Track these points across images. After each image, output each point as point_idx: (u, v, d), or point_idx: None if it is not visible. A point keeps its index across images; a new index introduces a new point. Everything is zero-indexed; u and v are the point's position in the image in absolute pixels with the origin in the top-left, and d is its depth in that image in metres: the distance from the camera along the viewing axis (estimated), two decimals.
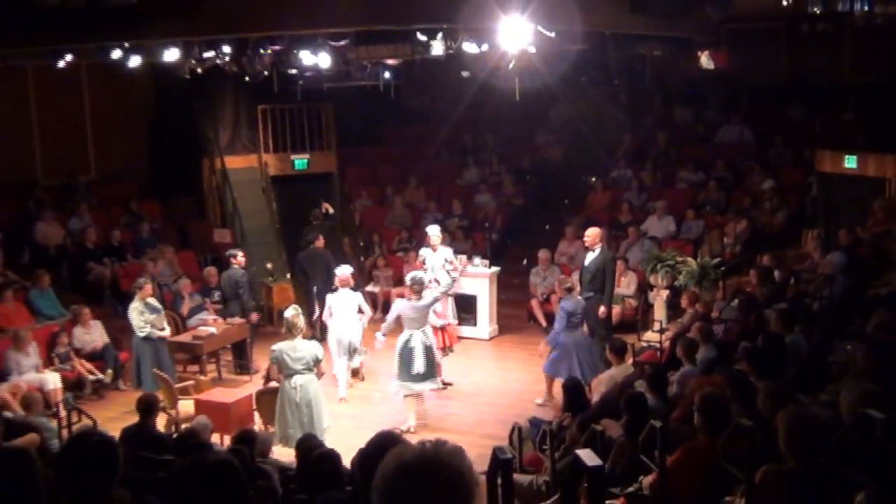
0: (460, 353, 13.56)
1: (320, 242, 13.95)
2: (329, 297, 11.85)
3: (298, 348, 9.47)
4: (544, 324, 14.29)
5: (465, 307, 14.19)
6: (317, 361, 9.50)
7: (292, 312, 9.65)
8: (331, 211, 15.81)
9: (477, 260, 14.40)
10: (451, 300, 13.59)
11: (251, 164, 17.42)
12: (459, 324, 14.01)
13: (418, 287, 10.85)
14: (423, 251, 13.62)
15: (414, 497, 2.21)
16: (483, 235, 15.86)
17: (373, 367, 12.72)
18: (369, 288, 15.70)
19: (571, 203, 17.22)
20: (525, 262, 15.31)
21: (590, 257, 12.12)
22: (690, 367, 8.93)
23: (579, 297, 11.34)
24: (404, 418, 10.65)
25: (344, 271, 11.91)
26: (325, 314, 11.88)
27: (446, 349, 12.15)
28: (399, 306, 10.96)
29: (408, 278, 11.25)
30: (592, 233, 12.18)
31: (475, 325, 14.28)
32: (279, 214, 17.13)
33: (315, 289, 13.67)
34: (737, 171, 16.37)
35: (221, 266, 13.87)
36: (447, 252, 13.51)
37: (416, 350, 10.62)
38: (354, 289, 12.04)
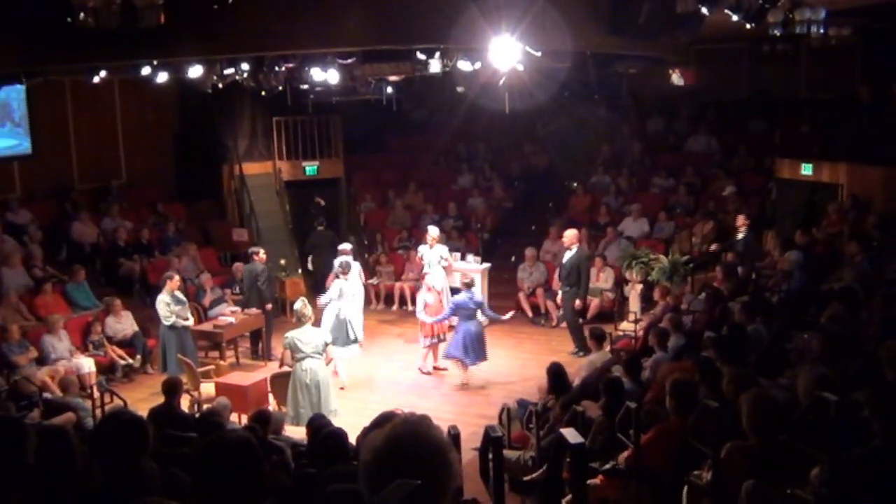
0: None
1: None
2: (337, 282, 11.77)
3: (308, 335, 9.49)
4: (530, 314, 14.36)
5: None
6: (325, 346, 9.52)
7: (301, 304, 9.69)
8: (322, 203, 15.83)
9: (470, 257, 14.40)
10: (446, 293, 13.57)
11: (266, 170, 17.39)
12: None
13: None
14: (422, 248, 13.63)
15: (394, 461, 2.19)
16: (475, 235, 15.86)
17: (376, 361, 12.69)
18: (372, 281, 15.71)
19: (555, 206, 17.22)
20: (513, 259, 15.31)
21: (567, 255, 12.44)
22: (662, 353, 8.94)
23: (473, 293, 11.52)
24: (405, 402, 10.68)
25: (346, 245, 12.71)
26: (329, 295, 11.75)
27: (437, 336, 12.14)
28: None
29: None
30: (570, 234, 12.48)
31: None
32: (291, 215, 17.14)
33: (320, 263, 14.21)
34: (704, 177, 16.36)
35: (243, 262, 13.85)
36: (443, 250, 13.55)
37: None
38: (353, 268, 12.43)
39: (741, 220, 13.08)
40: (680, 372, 6.94)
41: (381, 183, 18.88)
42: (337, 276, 11.89)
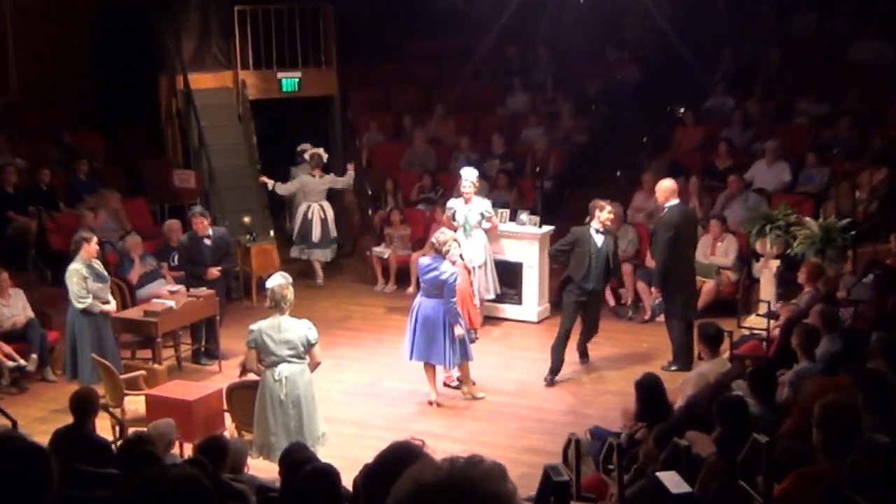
0: (499, 340, 13.68)
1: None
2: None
3: (285, 327, 9.50)
4: (612, 302, 14.34)
5: (508, 279, 14.18)
6: (309, 345, 9.54)
7: (279, 281, 9.66)
8: (269, 183, 15.84)
9: (524, 216, 14.36)
10: (490, 269, 13.63)
11: (224, 84, 17.40)
12: (500, 300, 14.11)
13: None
14: (453, 203, 13.62)
15: None
16: (532, 183, 15.84)
17: (382, 366, 12.78)
18: (378, 250, 15.78)
19: (652, 142, 17.14)
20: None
21: (661, 216, 12.46)
22: (808, 363, 8.89)
23: (441, 265, 11.30)
24: (423, 427, 10.73)
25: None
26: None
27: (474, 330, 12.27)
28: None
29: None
30: (664, 186, 12.41)
31: (520, 302, 14.29)
32: (261, 152, 17.16)
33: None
34: (876, 101, 16.19)
35: (186, 219, 13.88)
36: (484, 205, 13.54)
37: None
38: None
39: None
40: (834, 391, 6.90)
41: (393, 105, 18.84)
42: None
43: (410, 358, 11.62)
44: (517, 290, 14.29)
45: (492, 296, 13.88)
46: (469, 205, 13.44)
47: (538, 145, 17.25)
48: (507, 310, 14.24)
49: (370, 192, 17.18)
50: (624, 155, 17.12)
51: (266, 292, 9.81)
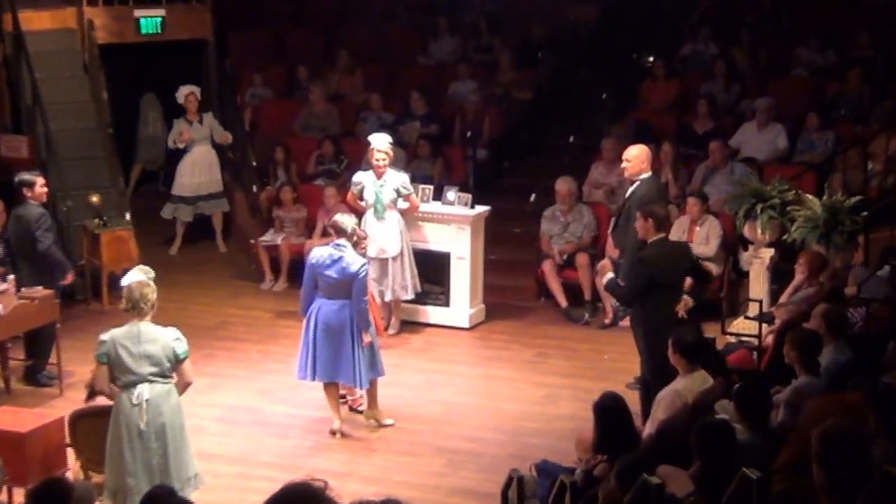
0: (420, 351, 13.70)
1: None
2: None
3: (146, 337, 9.36)
4: (564, 303, 14.43)
5: (432, 273, 14.26)
6: (177, 360, 9.45)
7: (138, 277, 9.56)
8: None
9: (452, 194, 14.38)
10: (407, 262, 13.65)
11: (65, 25, 17.22)
12: (421, 300, 14.16)
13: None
14: (361, 177, 13.63)
15: None
16: (463, 152, 15.89)
17: (272, 385, 12.76)
18: (266, 239, 15.77)
19: (613, 100, 17.25)
20: (533, 198, 15.30)
21: (630, 191, 12.41)
22: (809, 377, 8.98)
23: (347, 255, 11.30)
24: (325, 464, 10.73)
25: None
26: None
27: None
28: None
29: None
30: (634, 152, 12.37)
31: (447, 304, 14.35)
32: (113, 111, 17.03)
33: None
34: (891, 49, 16.38)
35: (11, 200, 13.73)
36: (401, 179, 13.55)
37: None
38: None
39: None
40: (840, 412, 6.96)
41: (285, 51, 18.76)
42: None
43: (310, 377, 11.52)
44: (443, 286, 14.33)
45: (410, 295, 13.86)
46: (381, 179, 13.39)
47: (470, 104, 17.29)
48: (431, 313, 14.28)
49: (254, 164, 17.12)
50: (578, 116, 17.20)
51: (123, 292, 9.70)
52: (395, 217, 13.50)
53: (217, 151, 16.84)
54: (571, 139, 16.65)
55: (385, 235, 13.39)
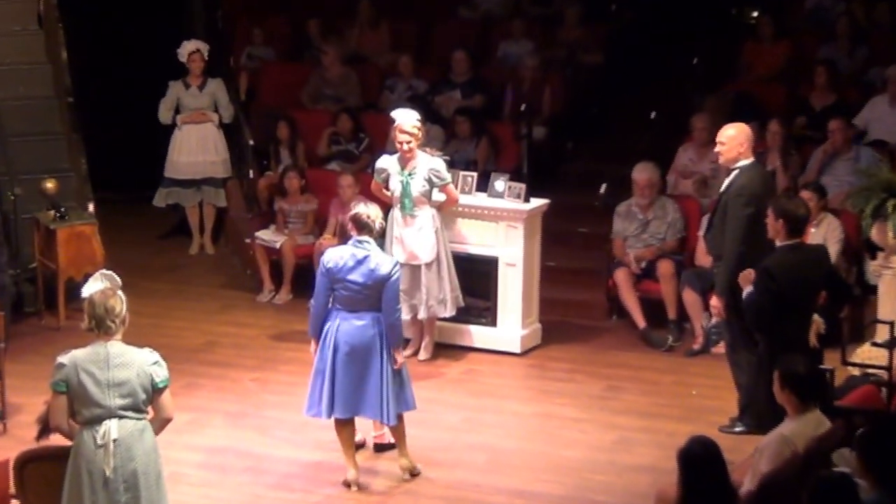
0: (459, 383, 13.75)
1: None
2: None
3: (116, 361, 9.32)
4: (642, 323, 14.46)
5: (475, 284, 14.27)
6: (155, 390, 9.38)
7: (99, 286, 9.52)
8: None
9: (500, 183, 14.36)
10: (445, 270, 13.65)
11: None
12: (462, 318, 14.17)
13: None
14: (385, 162, 13.63)
15: None
16: (515, 130, 15.88)
17: (271, 415, 12.73)
18: (265, 237, 15.82)
19: (706, 65, 17.26)
20: (604, 189, 15.27)
21: (727, 182, 12.34)
22: None
23: (373, 255, 11.16)
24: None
25: None
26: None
27: None
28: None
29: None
30: (732, 134, 12.25)
31: (493, 323, 14.36)
32: (74, 75, 17.10)
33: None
34: None
35: None
36: (435, 165, 13.54)
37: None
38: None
39: None
40: None
41: (292, 3, 18.81)
42: None
43: (325, 414, 11.34)
44: (489, 302, 14.32)
45: (449, 312, 13.83)
46: (409, 167, 13.35)
47: (525, 69, 17.28)
48: (474, 334, 14.29)
49: (251, 143, 17.17)
50: (661, 86, 17.18)
51: (85, 303, 9.65)
52: (428, 214, 13.42)
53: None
54: (653, 115, 16.65)
55: (416, 237, 13.33)
